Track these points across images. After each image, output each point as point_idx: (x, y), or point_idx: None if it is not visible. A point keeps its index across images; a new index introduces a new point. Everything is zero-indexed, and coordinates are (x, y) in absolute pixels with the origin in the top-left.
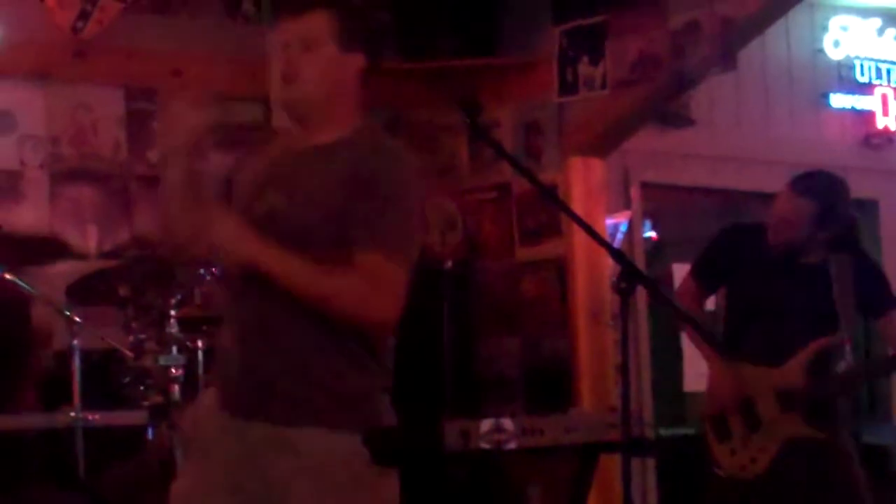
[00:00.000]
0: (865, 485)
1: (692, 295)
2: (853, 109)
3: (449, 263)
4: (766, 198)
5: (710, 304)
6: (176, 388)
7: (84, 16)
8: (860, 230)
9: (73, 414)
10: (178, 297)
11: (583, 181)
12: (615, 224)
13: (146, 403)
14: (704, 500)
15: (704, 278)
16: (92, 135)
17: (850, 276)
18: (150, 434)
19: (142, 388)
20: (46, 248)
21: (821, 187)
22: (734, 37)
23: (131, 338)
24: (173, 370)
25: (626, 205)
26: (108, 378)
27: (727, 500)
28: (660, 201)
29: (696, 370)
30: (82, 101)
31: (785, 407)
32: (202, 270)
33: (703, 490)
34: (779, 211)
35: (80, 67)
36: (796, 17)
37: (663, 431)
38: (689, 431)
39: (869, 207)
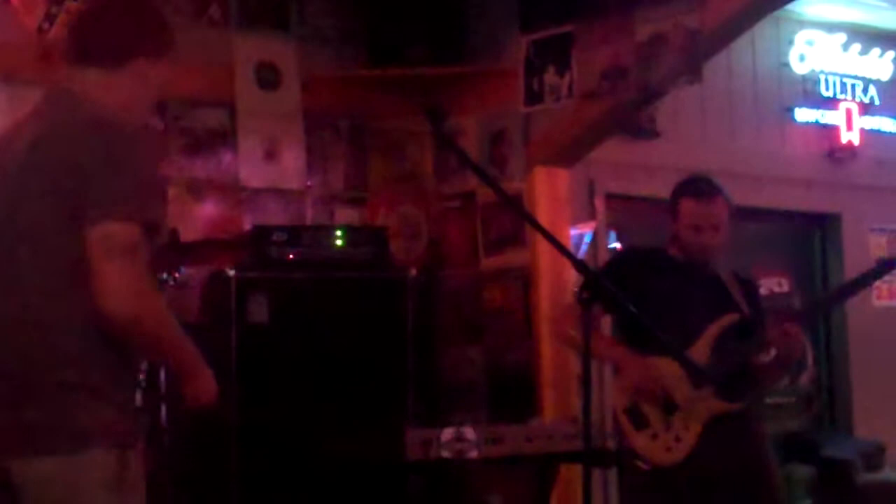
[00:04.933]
0: (776, 464)
1: (576, 317)
2: (817, 123)
3: (413, 271)
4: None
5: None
6: (138, 394)
7: (50, 17)
8: None
9: None
10: None
11: (548, 191)
12: (580, 234)
13: None
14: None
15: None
16: None
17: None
18: None
19: None
20: None
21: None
22: (700, 49)
23: None
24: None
25: (591, 215)
26: None
27: (659, 493)
28: (624, 212)
29: None
30: None
31: (696, 386)
32: (164, 276)
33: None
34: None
35: (45, 69)
36: (762, 30)
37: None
38: None
39: (832, 221)
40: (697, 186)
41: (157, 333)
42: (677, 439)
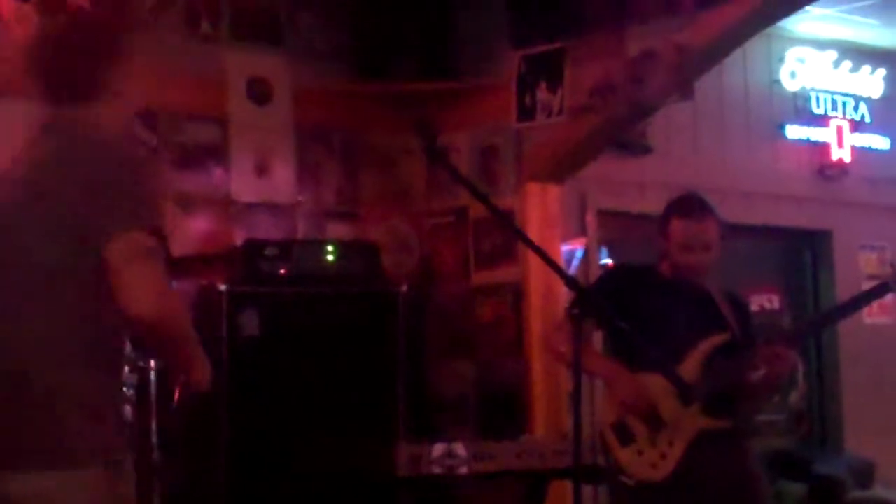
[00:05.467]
0: (764, 481)
1: (567, 333)
2: (808, 140)
3: (404, 286)
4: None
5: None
6: (128, 408)
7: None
8: None
9: None
10: None
11: (539, 207)
12: (571, 250)
13: None
14: None
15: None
16: None
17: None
18: None
19: None
20: None
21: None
22: (691, 66)
23: None
24: (125, 390)
25: (583, 231)
26: None
27: None
28: (616, 228)
29: None
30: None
31: (685, 403)
32: None
33: None
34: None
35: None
36: (753, 48)
37: None
38: None
39: (823, 237)
40: (688, 206)
41: (179, 331)
42: (662, 456)
